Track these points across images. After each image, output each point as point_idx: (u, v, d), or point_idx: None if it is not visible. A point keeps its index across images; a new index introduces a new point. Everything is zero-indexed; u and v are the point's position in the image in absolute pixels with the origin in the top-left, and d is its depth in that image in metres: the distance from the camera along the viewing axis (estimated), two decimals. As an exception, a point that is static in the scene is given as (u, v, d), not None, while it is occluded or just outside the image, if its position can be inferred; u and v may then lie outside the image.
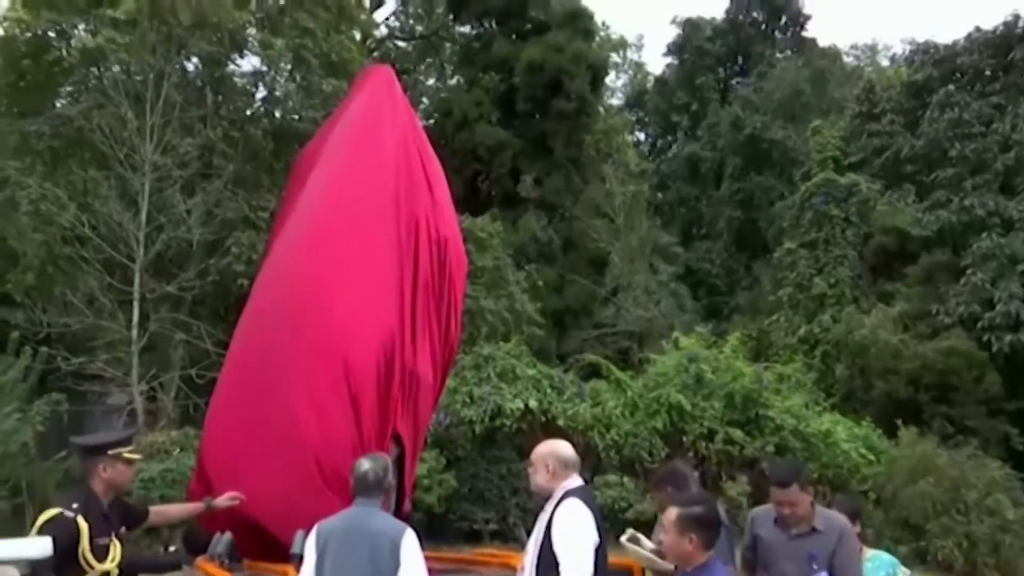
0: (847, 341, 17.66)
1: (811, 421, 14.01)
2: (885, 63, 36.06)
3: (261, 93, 19.71)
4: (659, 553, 4.40)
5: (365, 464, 3.54)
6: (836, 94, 28.40)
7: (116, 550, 3.82)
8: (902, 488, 12.55)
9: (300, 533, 3.98)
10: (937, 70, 21.02)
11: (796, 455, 13.61)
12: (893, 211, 19.79)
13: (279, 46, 16.79)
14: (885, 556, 4.49)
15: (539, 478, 3.70)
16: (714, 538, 3.26)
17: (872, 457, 13.87)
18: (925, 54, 21.92)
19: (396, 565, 3.22)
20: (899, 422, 13.87)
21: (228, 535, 4.30)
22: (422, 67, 30.64)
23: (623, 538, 4.48)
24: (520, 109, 24.83)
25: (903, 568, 4.45)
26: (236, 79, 19.09)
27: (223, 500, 4.42)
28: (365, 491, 3.45)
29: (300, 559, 3.76)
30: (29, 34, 15.45)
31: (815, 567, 3.82)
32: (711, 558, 3.25)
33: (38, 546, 3.35)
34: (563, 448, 3.79)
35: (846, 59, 35.85)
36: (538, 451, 3.78)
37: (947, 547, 11.90)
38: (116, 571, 3.79)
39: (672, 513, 3.28)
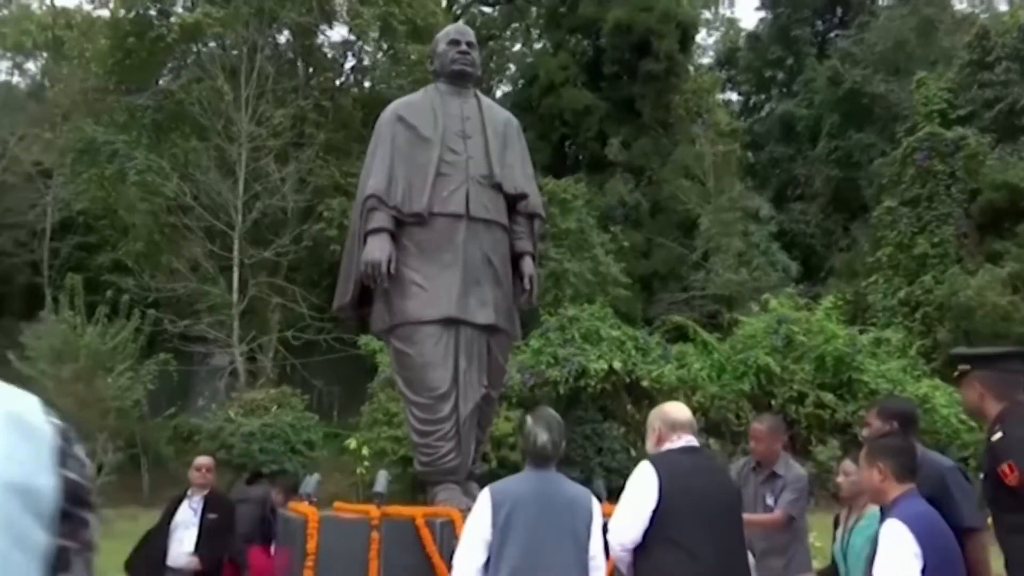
0: (951, 303, 16.81)
1: (908, 386, 13.50)
2: (1003, 8, 33.65)
3: (350, 63, 20.21)
4: None
5: (543, 436, 3.23)
6: (945, 43, 26.71)
7: None
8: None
9: (383, 473, 4.14)
10: (1059, 11, 19.49)
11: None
12: (1005, 166, 18.58)
13: (367, 15, 17.08)
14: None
15: (648, 444, 3.58)
16: (906, 469, 3.05)
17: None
18: (1046, -5, 20.34)
19: (589, 532, 3.20)
20: (1006, 388, 13.16)
21: (316, 475, 4.51)
22: (508, 32, 30.50)
23: None
24: (607, 72, 24.44)
25: None
26: (325, 50, 19.60)
27: None
28: (544, 462, 3.24)
29: (382, 498, 3.92)
30: (133, 13, 16.22)
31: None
32: (909, 492, 3.00)
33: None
34: (670, 408, 3.59)
35: (958, 6, 33.61)
36: (649, 416, 3.64)
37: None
38: None
39: (863, 449, 3.21)
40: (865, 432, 4.18)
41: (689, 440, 3.46)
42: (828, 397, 12.96)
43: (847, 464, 4.17)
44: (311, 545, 3.50)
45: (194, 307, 15.17)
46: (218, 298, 14.84)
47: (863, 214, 23.41)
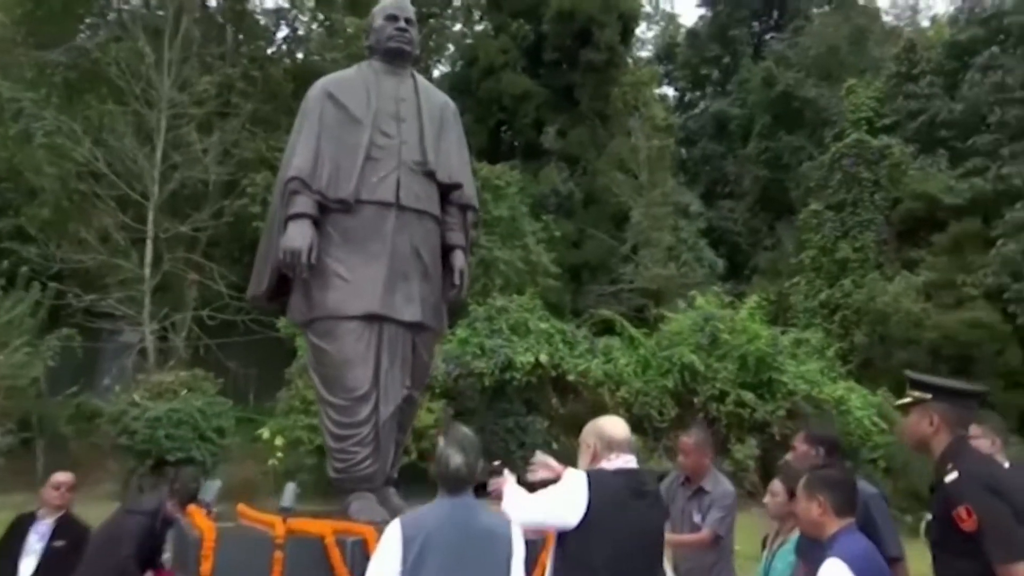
0: (868, 308, 17.31)
1: (825, 387, 13.79)
2: (926, 24, 34.90)
3: (283, 32, 19.42)
4: None
5: (456, 458, 2.95)
6: (874, 53, 27.46)
7: None
8: (914, 459, 12.34)
9: (291, 486, 3.83)
10: (982, 30, 20.19)
11: (808, 420, 13.48)
12: (925, 176, 19.20)
13: (302, -18, 16.41)
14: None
15: (581, 461, 3.30)
16: (847, 504, 2.93)
17: (885, 426, 13.66)
18: (971, 13, 21.04)
19: (509, 567, 2.99)
20: (917, 392, 13.59)
21: (218, 482, 4.16)
22: (449, 11, 29.92)
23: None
24: (547, 58, 24.24)
25: None
26: (258, 16, 18.79)
27: None
28: (459, 487, 2.97)
29: (289, 513, 3.61)
30: (46, -39, 15.17)
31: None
32: (848, 527, 2.90)
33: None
34: (607, 424, 3.30)
35: (885, 18, 34.70)
36: (584, 430, 3.36)
37: (956, 520, 11.71)
38: None
39: (801, 479, 3.05)
40: (790, 456, 4.08)
41: (627, 460, 3.24)
42: (748, 396, 13.11)
43: (775, 485, 4.01)
44: (206, 567, 3.17)
45: (103, 281, 14.32)
46: (129, 272, 14.02)
47: (789, 215, 23.92)
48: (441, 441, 3.06)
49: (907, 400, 2.97)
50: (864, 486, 3.49)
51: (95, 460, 12.75)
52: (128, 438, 10.61)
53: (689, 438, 4.64)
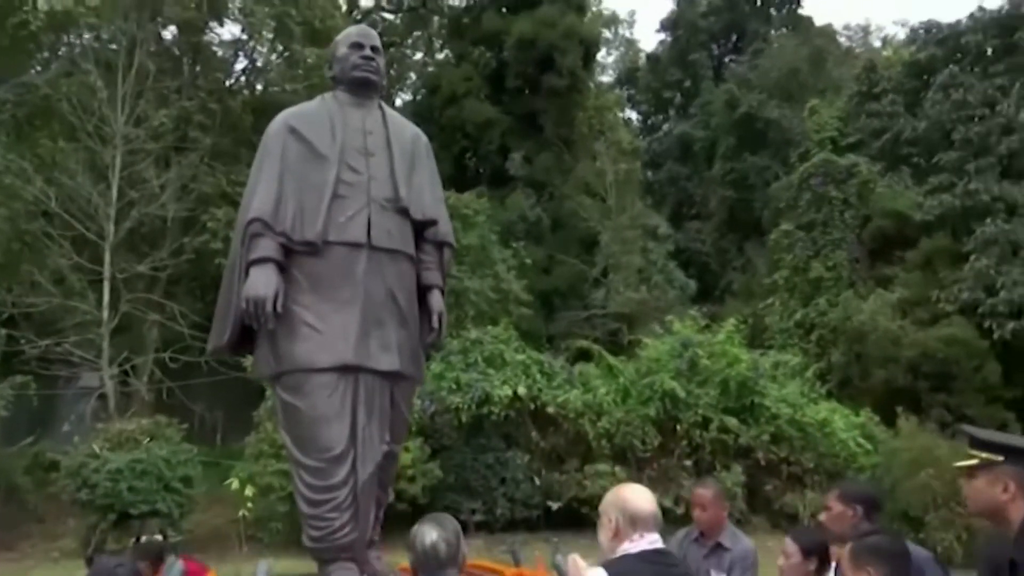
0: (844, 327, 17.24)
1: (807, 410, 13.60)
2: (877, 44, 35.63)
3: (241, 63, 19.05)
4: None
5: (432, 534, 2.70)
6: (834, 74, 27.83)
7: None
8: (902, 480, 12.18)
9: (263, 564, 3.45)
10: (940, 49, 20.48)
11: (792, 444, 13.29)
12: (893, 194, 19.32)
13: (260, 13, 16.10)
14: None
15: (601, 536, 2.92)
16: (898, 574, 2.63)
17: (869, 447, 13.51)
18: (928, 33, 21.36)
19: None
20: (899, 411, 13.50)
21: (180, 563, 3.74)
22: (409, 40, 29.80)
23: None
24: (510, 85, 24.16)
25: None
26: (215, 48, 18.41)
27: None
28: (437, 570, 2.70)
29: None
30: (-9, -5, 14.66)
31: None
32: None
33: None
34: (631, 496, 2.91)
35: (841, 39, 35.32)
36: (605, 500, 2.97)
37: (947, 540, 11.58)
38: None
39: (847, 547, 2.73)
40: (823, 516, 3.66)
41: (652, 540, 2.82)
42: (732, 422, 12.87)
43: (788, 545, 3.64)
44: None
45: (58, 325, 13.72)
46: (86, 315, 13.44)
47: (757, 235, 23.95)
48: (416, 525, 2.74)
49: (972, 463, 2.58)
50: (916, 550, 3.13)
51: (54, 513, 12.10)
52: (89, 492, 10.00)
53: (707, 490, 4.25)
